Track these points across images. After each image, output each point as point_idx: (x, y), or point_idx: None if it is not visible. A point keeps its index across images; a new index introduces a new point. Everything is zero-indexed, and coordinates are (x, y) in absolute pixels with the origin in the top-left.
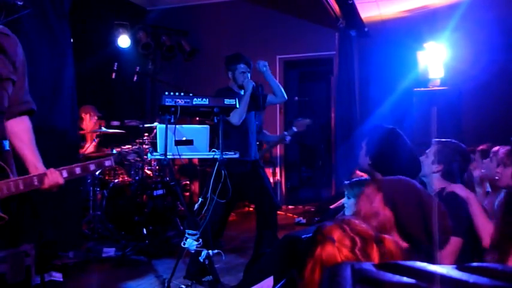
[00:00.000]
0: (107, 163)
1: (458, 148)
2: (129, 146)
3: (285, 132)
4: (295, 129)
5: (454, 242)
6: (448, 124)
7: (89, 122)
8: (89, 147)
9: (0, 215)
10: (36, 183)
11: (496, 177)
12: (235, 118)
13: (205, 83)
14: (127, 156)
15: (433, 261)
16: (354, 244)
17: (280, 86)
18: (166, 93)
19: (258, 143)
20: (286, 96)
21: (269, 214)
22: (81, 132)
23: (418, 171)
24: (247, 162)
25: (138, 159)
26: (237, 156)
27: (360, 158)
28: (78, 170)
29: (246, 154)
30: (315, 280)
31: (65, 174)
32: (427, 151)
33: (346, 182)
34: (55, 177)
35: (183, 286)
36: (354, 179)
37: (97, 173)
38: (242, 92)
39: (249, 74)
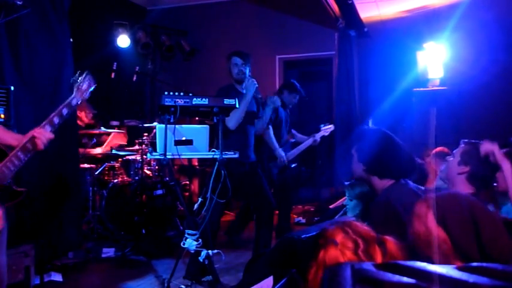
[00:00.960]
0: (73, 102)
1: None
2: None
3: (316, 134)
4: (325, 133)
5: None
6: (447, 124)
7: (85, 119)
8: (90, 146)
9: (17, 190)
10: (31, 148)
11: (494, 184)
12: (231, 122)
13: (205, 83)
14: (84, 87)
15: None
16: (356, 246)
17: (265, 125)
18: (166, 93)
19: (293, 140)
20: (265, 130)
21: (267, 215)
22: (81, 131)
23: (414, 169)
24: (245, 163)
25: (92, 85)
26: (236, 156)
27: (352, 165)
28: (56, 120)
29: (245, 155)
30: (318, 283)
31: (48, 128)
32: (454, 151)
33: (346, 183)
34: (44, 135)
35: (182, 286)
36: (354, 180)
37: (96, 172)
38: (244, 91)
39: (247, 69)
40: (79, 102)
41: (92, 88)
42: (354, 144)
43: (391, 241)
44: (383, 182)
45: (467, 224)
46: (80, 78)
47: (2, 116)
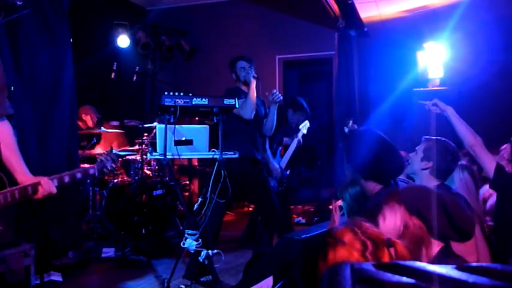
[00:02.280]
0: (91, 171)
1: (449, 147)
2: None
3: (297, 135)
4: (304, 132)
5: None
6: (447, 124)
7: (89, 123)
8: (88, 147)
9: None
10: (30, 192)
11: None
12: (247, 112)
13: (205, 83)
14: (106, 164)
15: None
16: (365, 248)
17: (274, 124)
18: (166, 93)
19: (281, 147)
20: (271, 134)
21: (269, 216)
22: (81, 132)
23: (402, 170)
24: (250, 160)
25: (114, 165)
26: (236, 156)
27: (347, 170)
28: (66, 179)
29: (255, 151)
30: None
31: (55, 183)
32: (416, 148)
33: (339, 184)
34: (49, 187)
35: (182, 286)
36: (344, 182)
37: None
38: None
39: (252, 71)
40: (96, 174)
41: (112, 169)
42: (348, 150)
43: (400, 244)
44: (372, 185)
45: (438, 208)
46: (108, 156)
47: None
